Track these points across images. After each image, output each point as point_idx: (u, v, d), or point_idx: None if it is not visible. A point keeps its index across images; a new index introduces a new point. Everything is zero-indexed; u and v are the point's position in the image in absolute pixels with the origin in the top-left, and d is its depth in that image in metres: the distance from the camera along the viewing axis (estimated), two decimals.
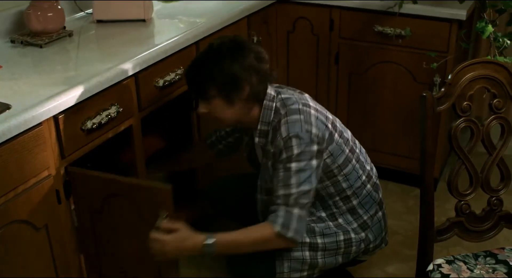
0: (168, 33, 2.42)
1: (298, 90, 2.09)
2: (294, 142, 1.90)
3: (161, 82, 2.30)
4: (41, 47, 2.26)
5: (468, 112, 1.89)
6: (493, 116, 1.91)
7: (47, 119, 1.83)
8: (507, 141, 1.94)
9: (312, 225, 2.06)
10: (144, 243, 1.90)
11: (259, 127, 2.01)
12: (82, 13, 2.64)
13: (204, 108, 2.02)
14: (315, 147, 1.92)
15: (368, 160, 2.21)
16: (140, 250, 1.97)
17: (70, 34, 2.37)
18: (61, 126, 1.89)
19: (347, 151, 2.06)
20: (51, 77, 2.00)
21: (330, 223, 2.09)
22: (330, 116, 2.07)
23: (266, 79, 1.99)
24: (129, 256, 2.05)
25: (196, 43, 2.49)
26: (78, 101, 1.92)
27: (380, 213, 2.17)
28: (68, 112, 1.90)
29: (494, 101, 1.90)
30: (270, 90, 2.01)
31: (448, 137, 1.89)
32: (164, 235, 1.85)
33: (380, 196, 2.20)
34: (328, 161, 2.00)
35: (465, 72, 1.87)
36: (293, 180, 1.90)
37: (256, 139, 2.04)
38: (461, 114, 1.88)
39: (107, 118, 2.04)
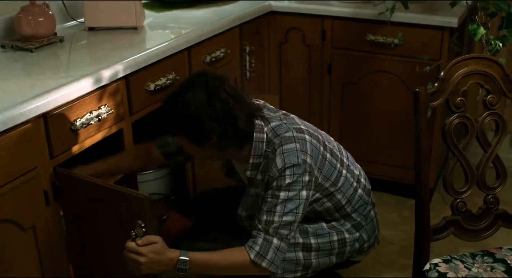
0: (160, 39, 2.41)
1: (282, 112, 2.04)
2: (288, 171, 1.85)
3: (152, 87, 2.28)
4: (31, 51, 2.24)
5: (462, 108, 1.87)
6: (487, 113, 1.90)
7: (36, 118, 1.81)
8: (502, 138, 1.91)
9: (305, 225, 2.02)
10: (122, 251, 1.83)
11: (251, 161, 1.94)
12: (74, 22, 2.63)
13: (179, 144, 1.98)
14: (307, 177, 1.87)
15: (356, 164, 2.18)
16: (121, 258, 1.87)
17: (61, 40, 2.36)
18: (50, 125, 1.86)
19: (338, 165, 2.03)
20: (41, 78, 1.98)
21: (324, 224, 2.05)
22: (319, 136, 2.02)
23: (238, 131, 1.88)
24: (112, 263, 1.99)
25: (188, 49, 2.49)
26: (67, 101, 1.90)
27: (372, 212, 2.15)
28: (57, 111, 1.88)
29: (488, 97, 1.89)
30: (258, 121, 1.93)
31: (442, 133, 1.87)
32: (139, 247, 1.77)
33: (371, 196, 2.17)
34: (322, 181, 1.97)
35: (458, 67, 1.86)
36: (279, 208, 1.85)
37: (248, 173, 1.96)
38: (455, 110, 1.87)
39: (97, 119, 2.02)
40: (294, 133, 1.90)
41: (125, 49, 2.28)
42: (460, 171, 1.91)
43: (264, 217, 1.87)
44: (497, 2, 2.28)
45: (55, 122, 1.88)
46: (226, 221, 2.22)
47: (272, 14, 3.05)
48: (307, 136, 1.92)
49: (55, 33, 2.38)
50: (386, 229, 2.87)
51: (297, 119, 2.01)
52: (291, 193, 1.85)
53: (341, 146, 2.17)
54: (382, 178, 3.10)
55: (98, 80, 2.01)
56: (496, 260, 1.90)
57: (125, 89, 2.17)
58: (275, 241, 1.85)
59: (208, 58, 2.61)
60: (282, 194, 1.85)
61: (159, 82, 2.31)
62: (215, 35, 2.64)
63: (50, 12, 2.34)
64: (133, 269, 1.81)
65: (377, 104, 3.00)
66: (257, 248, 1.85)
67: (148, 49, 2.28)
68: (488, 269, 1.86)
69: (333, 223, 2.06)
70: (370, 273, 2.63)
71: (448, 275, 1.82)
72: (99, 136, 2.08)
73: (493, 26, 2.59)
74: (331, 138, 2.15)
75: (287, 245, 1.88)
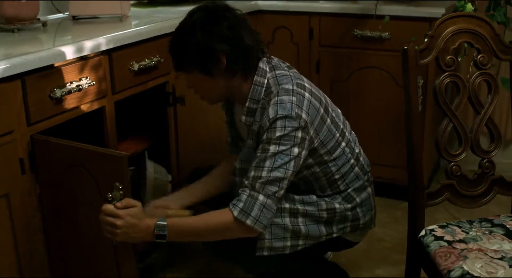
0: (144, 23, 2.38)
1: (294, 70, 2.00)
2: (279, 123, 1.76)
3: (136, 67, 2.23)
4: (13, 31, 2.20)
5: (453, 67, 1.82)
6: (478, 72, 1.85)
7: (13, 80, 1.74)
8: (494, 98, 1.86)
9: (292, 194, 1.93)
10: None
11: (247, 104, 1.88)
12: (59, 15, 2.60)
13: (189, 83, 1.94)
14: (300, 134, 1.79)
15: (357, 142, 2.11)
16: (99, 226, 1.79)
17: (44, 24, 2.31)
18: (28, 89, 1.80)
19: (338, 135, 1.95)
20: (22, 48, 1.92)
21: (313, 196, 1.96)
22: (323, 98, 1.95)
23: (247, 49, 1.85)
24: (90, 233, 1.89)
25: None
26: (46, 65, 1.84)
27: (369, 189, 2.06)
28: (36, 75, 1.82)
29: (479, 57, 1.84)
30: (263, 65, 1.89)
31: (433, 93, 1.82)
32: (117, 209, 1.70)
33: (369, 175, 2.09)
34: (317, 146, 1.89)
35: (447, 25, 1.82)
36: (267, 163, 1.76)
37: (243, 117, 1.90)
38: (446, 69, 1.82)
39: (77, 89, 1.95)
40: (294, 87, 1.83)
41: (110, 29, 2.23)
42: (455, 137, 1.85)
43: (252, 173, 1.78)
44: None
45: (33, 87, 1.81)
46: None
47: (259, 14, 3.04)
48: (306, 94, 1.84)
49: (39, 19, 2.35)
50: (378, 227, 2.76)
51: (304, 78, 1.95)
52: (282, 147, 1.76)
53: (347, 122, 2.09)
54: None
55: (79, 49, 1.96)
56: (494, 225, 1.81)
57: (108, 64, 2.11)
58: (261, 197, 1.76)
59: None
60: (272, 148, 1.77)
61: (143, 63, 2.26)
62: None
63: None
64: (109, 235, 1.73)
65: (367, 101, 2.95)
66: (241, 204, 1.76)
67: (132, 28, 2.25)
68: (487, 232, 1.77)
69: (324, 198, 1.98)
70: (363, 268, 2.53)
71: (445, 238, 1.74)
72: (79, 111, 2.01)
73: (481, 8, 2.58)
74: (339, 110, 2.07)
75: (274, 204, 1.78)
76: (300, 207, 1.91)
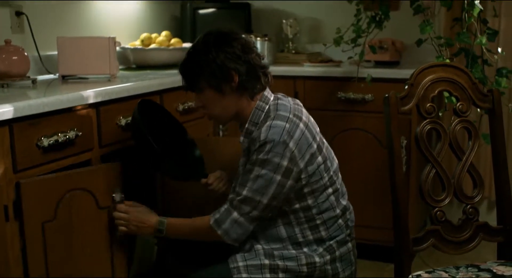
0: (133, 81, 2.44)
1: (298, 103, 2.08)
2: (267, 147, 1.83)
3: (123, 122, 2.27)
4: (2, 87, 2.24)
5: (433, 114, 1.87)
6: (458, 120, 1.90)
7: (1, 126, 1.77)
8: (475, 145, 1.90)
9: (270, 249, 1.94)
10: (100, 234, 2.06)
11: (246, 125, 1.97)
12: (49, 75, 2.66)
13: (199, 102, 2.01)
14: (284, 163, 1.82)
15: (346, 196, 2.10)
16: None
17: (34, 81, 2.37)
18: (16, 137, 1.82)
19: (326, 178, 1.95)
20: (10, 98, 1.96)
21: (291, 248, 1.95)
22: (318, 137, 1.98)
23: (256, 70, 1.95)
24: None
25: (161, 94, 2.50)
26: (35, 113, 1.87)
27: (349, 245, 2.03)
28: (24, 123, 1.84)
29: (458, 104, 1.90)
30: (267, 94, 1.99)
31: (415, 140, 1.86)
32: (127, 207, 2.06)
33: (351, 231, 2.07)
34: (303, 182, 1.89)
35: (425, 74, 1.89)
36: (249, 183, 1.87)
37: (241, 138, 1.99)
38: (426, 116, 1.87)
39: (64, 138, 1.97)
40: (290, 116, 1.90)
41: (98, 87, 2.28)
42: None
43: (236, 188, 1.90)
44: (461, 37, 2.37)
45: (21, 134, 1.83)
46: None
47: None
48: (301, 124, 1.90)
49: (29, 77, 2.40)
50: None
51: (304, 112, 2.02)
52: (263, 171, 1.84)
53: (340, 175, 2.09)
54: (359, 241, 2.99)
55: (68, 100, 2.00)
56: (481, 270, 1.81)
57: (95, 117, 2.15)
58: (235, 214, 1.89)
59: (181, 107, 2.62)
60: (255, 170, 1.85)
61: (130, 119, 2.29)
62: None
63: (26, 53, 2.37)
64: (123, 232, 2.07)
65: (351, 163, 2.98)
66: (217, 215, 1.92)
67: (121, 84, 2.30)
68: (474, 277, 1.76)
69: (304, 250, 1.96)
70: None
71: None
72: (66, 162, 2.02)
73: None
74: (336, 162, 2.08)
75: (247, 222, 1.89)
76: (280, 262, 1.91)
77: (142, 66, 3.08)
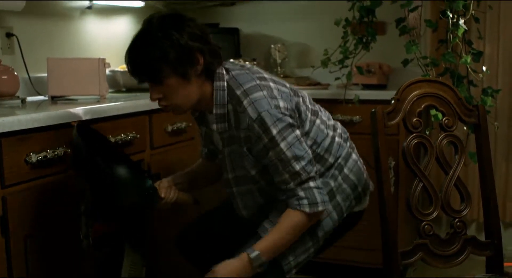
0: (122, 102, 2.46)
1: (248, 64, 2.00)
2: (268, 121, 1.77)
3: (112, 140, 2.27)
4: None
5: (420, 128, 1.89)
6: (444, 134, 1.92)
7: None
8: (461, 159, 1.92)
9: None
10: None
11: (214, 111, 1.85)
12: (39, 97, 2.67)
13: (158, 94, 1.84)
14: (289, 119, 1.81)
15: (331, 117, 2.12)
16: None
17: (23, 101, 2.38)
18: (4, 151, 1.82)
19: (309, 114, 1.96)
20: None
21: None
22: (287, 84, 1.95)
23: (216, 50, 1.84)
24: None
25: (150, 114, 2.52)
26: (25, 128, 1.88)
27: (354, 156, 2.06)
28: (13, 138, 1.85)
29: (444, 119, 1.92)
30: (219, 69, 1.86)
31: (402, 155, 1.88)
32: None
33: (350, 141, 2.11)
34: (300, 125, 1.91)
35: (412, 89, 1.91)
36: (291, 159, 1.81)
37: (214, 126, 1.88)
38: (413, 130, 1.89)
39: (53, 154, 1.97)
40: (257, 82, 1.83)
41: (87, 105, 2.30)
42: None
43: (287, 175, 1.82)
44: (446, 57, 2.41)
45: (9, 149, 1.84)
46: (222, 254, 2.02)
47: None
48: (271, 83, 1.86)
49: (18, 96, 2.41)
50: None
51: (261, 70, 1.94)
52: (288, 139, 1.80)
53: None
54: (344, 263, 3.00)
55: (57, 117, 2.01)
56: None
57: None
58: (311, 183, 1.84)
59: (170, 128, 2.63)
60: (282, 145, 1.80)
61: (119, 137, 2.30)
62: None
63: (15, 73, 2.39)
64: None
65: None
66: (305, 201, 1.83)
67: (109, 103, 2.32)
68: None
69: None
70: None
71: None
72: (54, 179, 2.02)
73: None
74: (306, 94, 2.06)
75: (319, 180, 1.88)
76: None
77: (132, 89, 3.10)
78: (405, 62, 2.61)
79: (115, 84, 3.12)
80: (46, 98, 2.63)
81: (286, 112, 1.82)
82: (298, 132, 1.84)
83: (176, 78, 1.79)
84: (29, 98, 2.58)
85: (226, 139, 1.91)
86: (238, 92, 1.82)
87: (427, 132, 2.46)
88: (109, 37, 3.27)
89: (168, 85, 1.80)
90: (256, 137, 1.81)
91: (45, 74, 2.55)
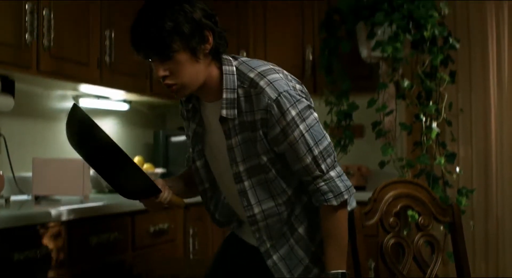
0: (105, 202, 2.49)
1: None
2: (288, 102, 1.68)
3: (95, 240, 2.29)
4: None
5: (396, 227, 1.94)
6: (420, 234, 1.96)
7: None
8: (438, 258, 1.95)
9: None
10: None
11: (224, 96, 1.72)
12: (23, 196, 2.69)
13: (164, 70, 1.69)
14: (305, 101, 1.73)
15: None
16: None
17: (7, 200, 2.40)
18: None
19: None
20: None
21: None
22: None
23: (223, 33, 1.75)
24: None
25: (132, 215, 2.54)
26: (6, 227, 1.90)
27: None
28: None
29: (419, 219, 1.97)
30: (225, 55, 1.77)
31: (380, 255, 1.91)
32: None
33: None
34: None
35: (387, 190, 1.97)
36: (310, 141, 1.71)
37: (224, 111, 1.73)
38: (390, 230, 1.93)
39: (34, 254, 1.98)
40: (271, 65, 1.77)
41: (70, 205, 2.32)
42: None
43: (308, 160, 1.71)
44: (421, 158, 2.50)
45: None
46: None
47: None
48: (284, 70, 1.80)
49: (2, 196, 2.43)
50: None
51: None
52: (308, 120, 1.71)
53: None
54: None
55: (39, 215, 2.05)
56: None
57: (66, 235, 2.17)
58: (332, 173, 1.73)
59: (152, 229, 2.65)
60: (302, 127, 1.70)
61: (102, 237, 2.32)
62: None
63: (1, 173, 2.43)
64: None
65: None
66: (330, 195, 1.73)
67: (91, 202, 2.36)
68: None
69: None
70: None
71: None
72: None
73: None
74: None
75: (339, 167, 1.77)
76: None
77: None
78: (382, 164, 2.70)
79: (98, 185, 3.16)
80: (29, 197, 2.65)
81: (302, 95, 1.76)
82: (316, 114, 1.76)
83: (186, 54, 1.68)
84: (13, 198, 2.61)
85: (235, 127, 1.76)
86: (252, 75, 1.73)
87: (405, 233, 2.51)
88: None
89: (177, 61, 1.68)
90: (275, 120, 1.71)
91: (30, 174, 2.60)
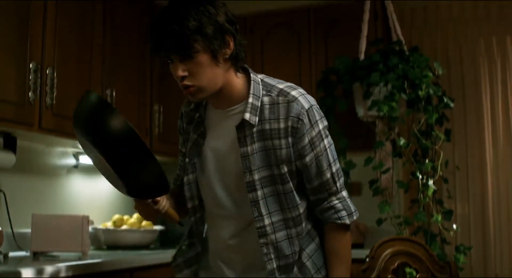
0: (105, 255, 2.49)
1: None
2: (317, 115, 1.74)
3: None
4: None
5: None
6: None
7: None
8: None
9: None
10: None
11: (250, 100, 1.72)
12: (21, 252, 2.69)
13: (183, 71, 1.67)
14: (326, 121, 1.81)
15: None
16: None
17: (5, 256, 2.40)
18: None
19: None
20: None
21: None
22: None
23: (242, 42, 1.75)
24: None
25: (131, 272, 2.54)
26: None
27: None
28: None
29: (417, 276, 1.99)
30: (246, 66, 1.79)
31: None
32: None
33: None
34: None
35: (385, 247, 2.00)
36: (331, 158, 1.77)
37: (247, 115, 1.71)
38: None
39: None
40: (291, 83, 1.80)
41: (69, 261, 2.32)
42: None
43: (328, 174, 1.75)
44: (418, 216, 2.51)
45: None
46: None
47: None
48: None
49: (0, 252, 2.43)
50: None
51: None
52: (329, 138, 1.78)
53: None
54: None
55: (38, 271, 2.04)
56: None
57: None
58: (344, 193, 1.79)
59: None
60: (325, 142, 1.76)
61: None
62: (158, 264, 2.72)
63: (0, 229, 2.44)
64: None
65: None
66: (343, 213, 1.76)
67: (92, 260, 2.36)
68: None
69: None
70: None
71: None
72: None
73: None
74: None
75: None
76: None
77: (112, 246, 3.14)
78: (379, 222, 2.71)
79: (96, 242, 3.17)
80: (28, 254, 2.65)
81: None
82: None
83: (207, 56, 1.67)
84: (11, 254, 2.61)
85: (252, 135, 1.74)
86: (281, 86, 1.76)
87: None
88: (93, 194, 3.37)
89: (197, 62, 1.67)
90: (305, 129, 1.73)
91: (29, 230, 2.61)
